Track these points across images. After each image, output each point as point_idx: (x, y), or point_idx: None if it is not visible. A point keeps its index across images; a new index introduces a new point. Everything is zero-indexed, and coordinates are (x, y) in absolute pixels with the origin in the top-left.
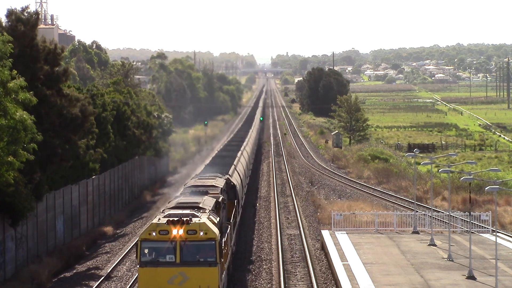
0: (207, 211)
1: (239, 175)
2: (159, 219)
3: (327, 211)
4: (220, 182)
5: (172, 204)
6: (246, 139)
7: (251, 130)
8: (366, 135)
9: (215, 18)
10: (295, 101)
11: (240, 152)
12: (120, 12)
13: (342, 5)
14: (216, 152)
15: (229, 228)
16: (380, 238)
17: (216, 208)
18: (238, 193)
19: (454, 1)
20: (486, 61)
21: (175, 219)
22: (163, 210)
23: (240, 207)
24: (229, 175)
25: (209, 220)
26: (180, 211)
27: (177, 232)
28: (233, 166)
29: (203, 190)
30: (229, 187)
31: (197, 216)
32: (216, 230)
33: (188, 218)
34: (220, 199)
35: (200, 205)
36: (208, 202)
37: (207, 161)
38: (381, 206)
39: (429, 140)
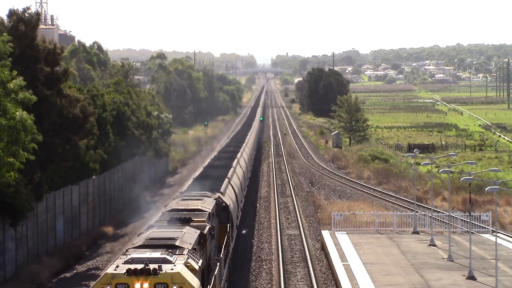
0: (185, 251)
1: (234, 190)
2: (117, 266)
3: (327, 211)
4: (208, 204)
5: (140, 240)
6: (244, 143)
7: (250, 132)
8: (366, 135)
9: (215, 19)
10: (295, 101)
11: (236, 161)
12: (120, 12)
13: (342, 5)
14: (209, 160)
15: (218, 266)
16: (380, 238)
17: (201, 244)
18: (232, 215)
19: (454, 1)
20: (486, 61)
21: (138, 267)
22: (126, 251)
23: (234, 231)
24: (220, 192)
25: (187, 268)
26: (147, 253)
27: (141, 286)
28: (226, 180)
29: (184, 217)
30: (220, 208)
31: (170, 262)
32: (196, 281)
33: (157, 267)
34: (206, 230)
35: (177, 243)
36: (188, 236)
37: (197, 173)
38: (381, 206)
39: (429, 141)
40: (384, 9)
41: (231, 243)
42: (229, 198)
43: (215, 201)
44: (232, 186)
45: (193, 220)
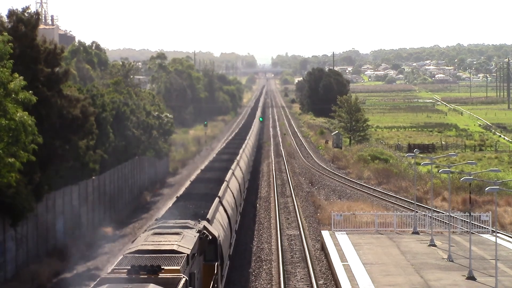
0: None
1: (227, 212)
2: None
3: (327, 211)
4: (187, 242)
5: None
6: (242, 148)
7: (249, 134)
8: (366, 135)
9: (215, 19)
10: (295, 101)
11: (230, 172)
12: (120, 12)
13: (342, 5)
14: (198, 172)
15: None
16: (380, 239)
17: None
18: (222, 248)
19: (454, 1)
20: (486, 61)
21: None
22: None
23: (225, 266)
24: (207, 220)
25: None
26: None
27: None
28: (216, 201)
29: (151, 266)
30: (206, 243)
31: None
32: None
33: None
34: (180, 286)
35: None
36: None
37: (182, 190)
38: (381, 206)
39: (429, 141)
40: (384, 9)
41: (220, 286)
42: (218, 225)
43: (198, 234)
44: (224, 207)
45: (163, 269)
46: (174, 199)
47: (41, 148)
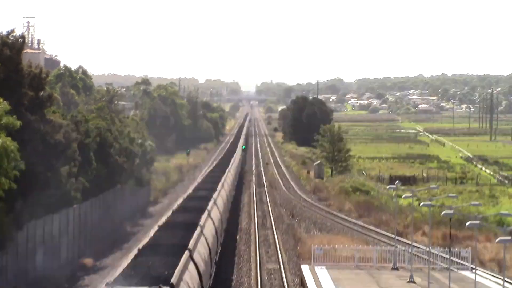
0: None
1: (198, 268)
2: None
3: (307, 245)
4: None
5: None
6: (221, 183)
7: (229, 166)
8: (348, 165)
9: (201, 45)
10: (278, 130)
11: (206, 214)
12: (106, 38)
13: (327, 33)
14: (171, 213)
15: None
16: (360, 274)
17: None
18: None
19: (440, 31)
20: (470, 92)
21: None
22: None
23: None
24: (170, 286)
25: None
26: None
27: None
28: (185, 255)
29: None
30: None
31: None
32: None
33: None
34: None
35: None
36: None
37: (146, 239)
38: (361, 240)
39: (411, 172)
40: (369, 38)
41: None
42: None
43: None
44: (194, 263)
45: None
46: (135, 251)
47: (23, 174)
